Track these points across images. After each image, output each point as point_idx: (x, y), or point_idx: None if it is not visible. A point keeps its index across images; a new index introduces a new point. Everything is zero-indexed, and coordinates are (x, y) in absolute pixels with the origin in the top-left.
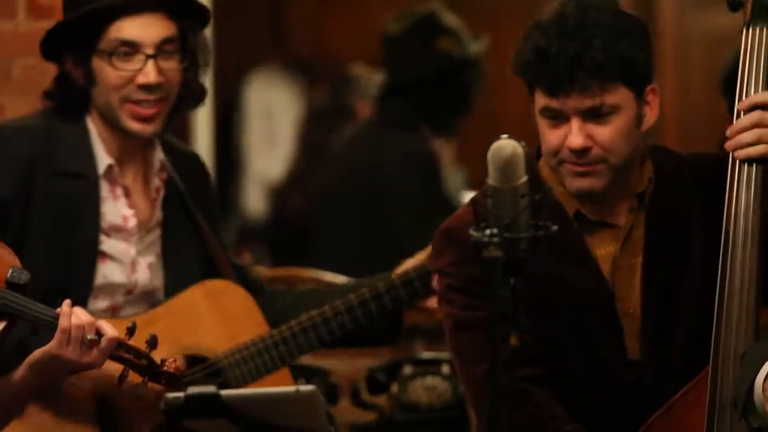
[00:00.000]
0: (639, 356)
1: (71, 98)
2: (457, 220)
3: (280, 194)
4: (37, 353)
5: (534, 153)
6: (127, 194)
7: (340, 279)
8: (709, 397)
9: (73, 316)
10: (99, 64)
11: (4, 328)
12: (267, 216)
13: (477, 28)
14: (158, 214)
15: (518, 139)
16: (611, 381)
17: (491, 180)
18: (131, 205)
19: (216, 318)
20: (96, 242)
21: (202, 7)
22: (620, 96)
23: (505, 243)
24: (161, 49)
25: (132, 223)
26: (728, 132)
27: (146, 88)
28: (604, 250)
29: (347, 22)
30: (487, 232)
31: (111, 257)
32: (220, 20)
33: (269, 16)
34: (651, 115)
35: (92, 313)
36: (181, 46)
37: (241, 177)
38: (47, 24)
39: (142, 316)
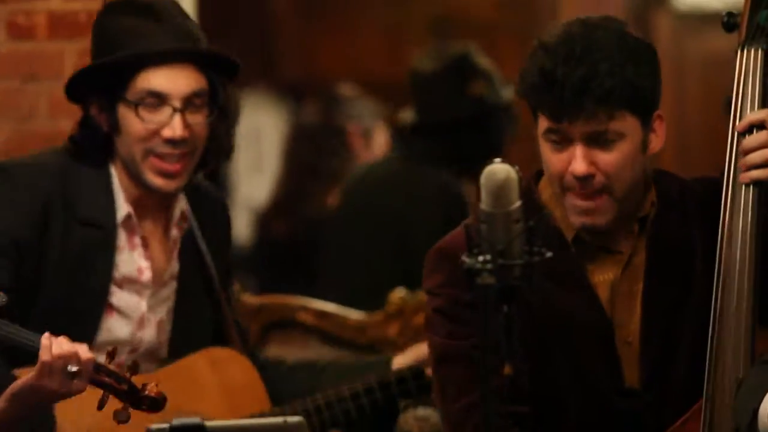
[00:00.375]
0: (636, 385)
1: (94, 144)
2: (452, 241)
3: (266, 219)
4: (18, 384)
5: (533, 176)
6: (145, 245)
7: (329, 307)
8: (702, 427)
9: (54, 345)
10: (124, 113)
11: None
12: (253, 242)
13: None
14: (174, 267)
15: (512, 164)
16: (606, 410)
17: (484, 205)
18: (148, 257)
19: (218, 388)
20: (105, 293)
21: (232, 60)
22: (626, 123)
23: (499, 270)
24: (189, 103)
25: (147, 275)
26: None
27: (171, 142)
28: (603, 276)
29: (336, 43)
30: (480, 258)
31: (119, 311)
32: (204, 32)
33: (257, 39)
34: (656, 142)
35: None
36: (210, 99)
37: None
38: (28, 46)
39: (141, 377)
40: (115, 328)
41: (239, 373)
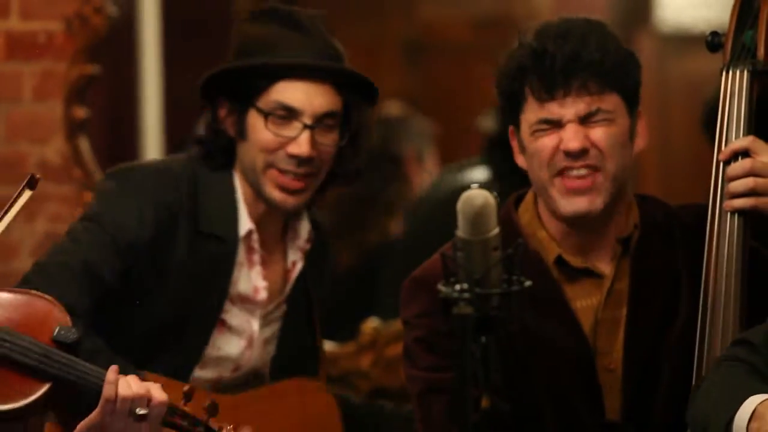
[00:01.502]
0: (617, 414)
1: (220, 147)
2: (428, 269)
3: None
4: (81, 425)
5: (513, 200)
6: (264, 263)
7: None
8: None
9: (121, 384)
10: (254, 120)
11: (47, 391)
12: None
13: None
14: (288, 289)
15: (489, 190)
16: None
17: (461, 232)
18: (265, 277)
19: (298, 419)
20: (220, 309)
21: (371, 84)
22: (615, 104)
23: (476, 299)
24: (320, 122)
25: (262, 295)
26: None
27: (296, 158)
28: (586, 301)
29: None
30: (457, 287)
31: (230, 328)
32: (173, 51)
33: (226, 48)
34: (640, 139)
35: (196, 381)
36: (343, 121)
37: None
38: None
39: (231, 397)
40: (224, 344)
41: (323, 407)
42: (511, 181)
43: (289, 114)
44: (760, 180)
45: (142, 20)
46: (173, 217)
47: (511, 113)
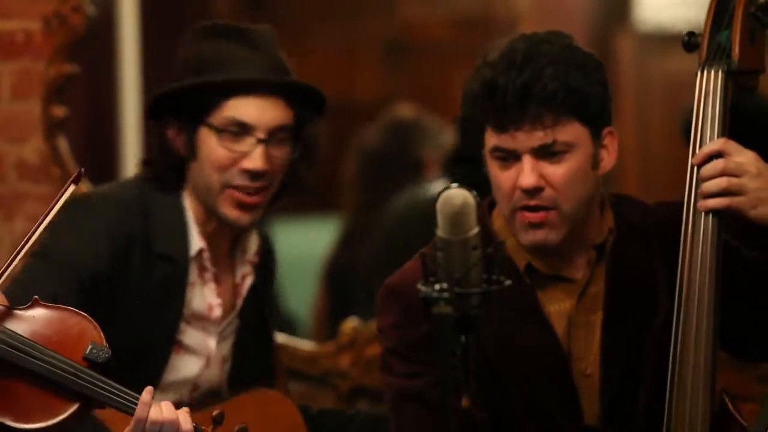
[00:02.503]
0: (596, 419)
1: (170, 168)
2: (402, 277)
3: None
4: None
5: (487, 205)
6: (216, 281)
7: (279, 338)
8: None
9: (153, 409)
10: (205, 138)
11: (77, 411)
12: None
13: None
14: (239, 304)
15: (469, 189)
16: None
17: (441, 231)
18: (219, 294)
19: (261, 430)
20: (175, 330)
21: (321, 95)
22: (574, 132)
23: (456, 298)
24: (273, 136)
25: (217, 312)
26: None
27: (250, 173)
28: (558, 306)
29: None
30: (437, 286)
31: (187, 348)
32: (152, 50)
33: None
34: (608, 160)
35: None
36: (294, 134)
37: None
38: None
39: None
40: (182, 366)
41: (285, 417)
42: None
43: (241, 129)
44: (733, 180)
45: (120, 19)
46: (127, 244)
47: (479, 132)
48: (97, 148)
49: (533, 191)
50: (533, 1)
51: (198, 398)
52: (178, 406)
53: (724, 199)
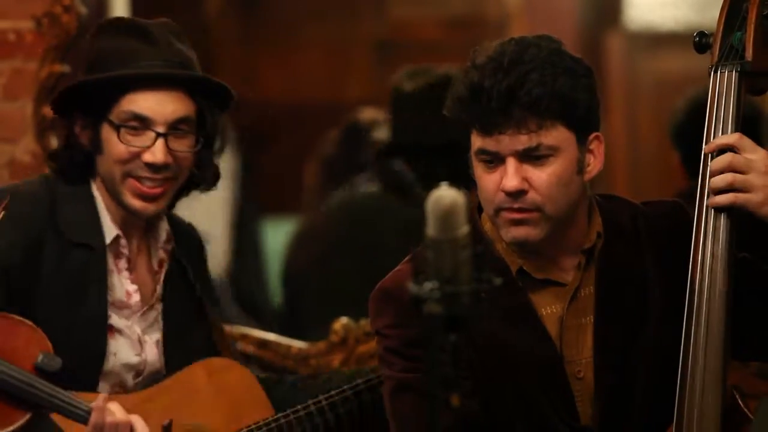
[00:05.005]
0: (590, 422)
1: (76, 162)
2: (394, 279)
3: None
4: None
5: (476, 206)
6: (131, 268)
7: (271, 336)
8: None
9: (108, 413)
10: (107, 133)
11: (28, 421)
12: None
13: None
14: (159, 290)
15: (458, 188)
16: None
17: (430, 231)
18: (134, 280)
19: (219, 397)
20: (105, 315)
21: (224, 88)
22: (559, 136)
23: (446, 297)
24: (174, 128)
25: (135, 299)
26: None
27: (152, 166)
28: (550, 309)
29: (277, 65)
30: (427, 286)
31: (120, 332)
32: None
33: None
34: (595, 165)
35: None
36: (197, 126)
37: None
38: None
39: (140, 393)
40: (119, 350)
41: (239, 381)
42: (396, 195)
43: (141, 124)
44: (738, 176)
45: None
46: (38, 235)
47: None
48: None
49: (516, 194)
50: (523, 0)
51: (141, 383)
52: (124, 391)
53: (729, 196)
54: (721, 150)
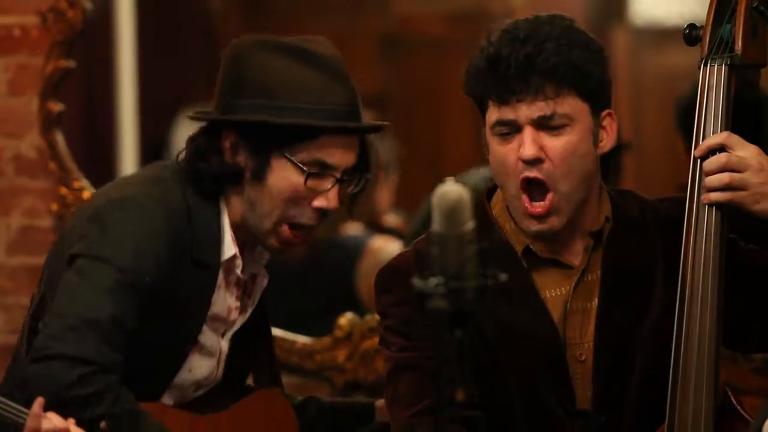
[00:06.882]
0: (588, 405)
1: (215, 176)
2: (402, 259)
3: None
4: None
5: (486, 192)
6: (239, 285)
7: (276, 332)
8: None
9: (44, 420)
10: (283, 170)
11: None
12: None
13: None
14: (249, 306)
15: (464, 185)
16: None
17: (436, 226)
18: (238, 297)
19: (262, 430)
20: (198, 332)
21: (381, 130)
22: (574, 106)
23: (451, 293)
24: (348, 175)
25: (234, 315)
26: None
27: (320, 211)
28: (555, 291)
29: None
30: (432, 281)
31: (202, 349)
32: (149, 56)
33: (201, 53)
34: (607, 140)
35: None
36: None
37: None
38: None
39: (206, 417)
40: (196, 366)
41: (284, 416)
42: None
43: (325, 170)
44: (735, 175)
45: (117, 14)
46: (175, 253)
47: (480, 114)
48: (93, 143)
49: (533, 162)
50: None
51: (197, 398)
52: (179, 405)
53: (726, 194)
54: (711, 151)
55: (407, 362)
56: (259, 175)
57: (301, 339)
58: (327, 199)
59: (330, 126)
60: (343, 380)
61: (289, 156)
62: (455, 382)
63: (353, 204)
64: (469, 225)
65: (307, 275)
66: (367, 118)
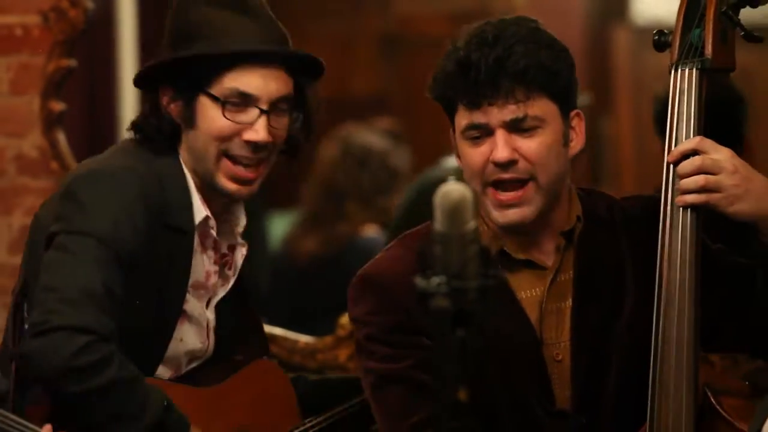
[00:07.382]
0: (567, 404)
1: (162, 134)
2: (376, 267)
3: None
4: None
5: None
6: (215, 248)
7: (278, 331)
8: None
9: None
10: (205, 108)
11: None
12: None
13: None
14: (231, 275)
15: (466, 184)
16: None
17: (438, 225)
18: (216, 261)
19: (262, 401)
20: (182, 301)
21: (319, 62)
22: (544, 108)
23: (453, 292)
24: (276, 106)
25: (213, 280)
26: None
27: (252, 145)
28: (529, 292)
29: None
30: (435, 280)
31: (190, 318)
32: (150, 56)
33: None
34: (577, 141)
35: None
36: (295, 103)
37: None
38: None
39: (206, 389)
40: (186, 335)
41: (278, 386)
42: None
43: (244, 100)
44: (710, 177)
45: (119, 14)
46: (155, 220)
47: (449, 117)
48: (95, 143)
49: (507, 164)
50: None
51: (193, 372)
52: (176, 378)
53: (701, 196)
54: (685, 156)
55: (393, 373)
56: (190, 119)
57: (303, 338)
58: (255, 130)
59: (236, 51)
60: None
61: (207, 90)
62: (457, 381)
63: (292, 143)
64: (471, 224)
65: (316, 275)
66: (367, 118)
